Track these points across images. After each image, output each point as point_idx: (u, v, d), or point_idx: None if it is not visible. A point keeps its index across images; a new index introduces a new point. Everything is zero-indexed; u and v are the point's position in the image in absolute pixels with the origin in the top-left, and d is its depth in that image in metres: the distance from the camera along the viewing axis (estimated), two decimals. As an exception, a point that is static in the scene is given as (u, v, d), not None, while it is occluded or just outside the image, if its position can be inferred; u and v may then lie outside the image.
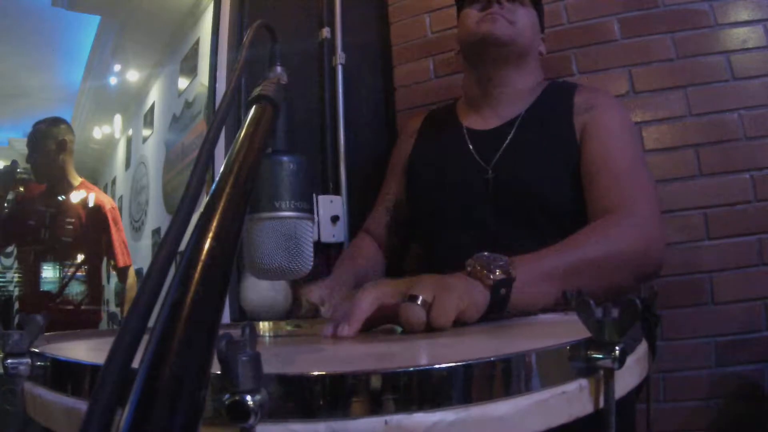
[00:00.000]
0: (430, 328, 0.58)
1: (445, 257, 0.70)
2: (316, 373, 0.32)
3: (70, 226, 2.21)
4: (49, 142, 2.20)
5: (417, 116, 1.28)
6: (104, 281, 2.71)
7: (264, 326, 0.82)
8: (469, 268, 0.67)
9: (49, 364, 0.44)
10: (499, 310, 0.67)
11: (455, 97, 1.26)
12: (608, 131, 0.98)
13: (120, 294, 2.72)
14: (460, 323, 0.61)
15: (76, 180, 2.28)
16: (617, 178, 0.92)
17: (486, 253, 0.69)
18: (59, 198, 2.22)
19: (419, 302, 0.58)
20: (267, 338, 0.68)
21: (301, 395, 0.31)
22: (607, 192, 0.92)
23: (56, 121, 2.29)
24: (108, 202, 2.35)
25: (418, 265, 1.24)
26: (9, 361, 0.45)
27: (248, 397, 0.28)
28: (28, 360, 0.45)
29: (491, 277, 0.65)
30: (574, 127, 1.00)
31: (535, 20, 1.10)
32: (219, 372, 0.27)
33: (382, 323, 0.63)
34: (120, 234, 2.36)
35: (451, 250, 1.02)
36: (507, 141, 1.04)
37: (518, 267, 0.68)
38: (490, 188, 1.02)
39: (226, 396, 0.27)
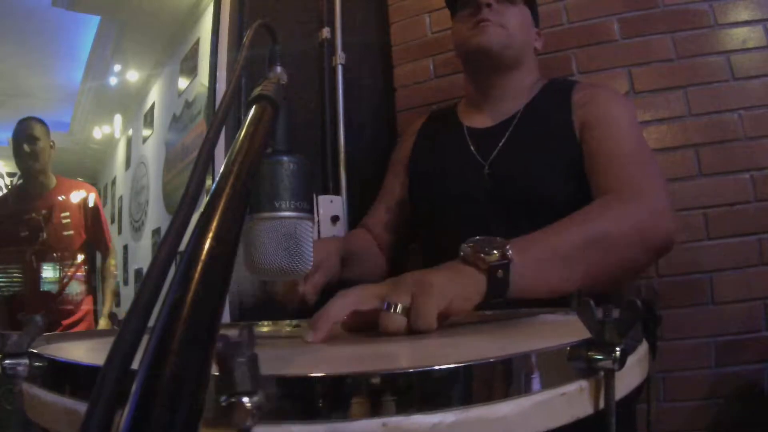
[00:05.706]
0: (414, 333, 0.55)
1: (444, 255, 0.68)
2: (315, 374, 0.32)
3: (68, 220, 2.28)
4: (36, 142, 2.25)
5: (420, 117, 1.28)
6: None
7: (263, 327, 0.82)
8: (462, 253, 0.65)
9: (47, 364, 0.44)
10: (499, 294, 0.64)
11: (457, 98, 1.26)
12: (608, 121, 0.98)
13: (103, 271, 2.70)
14: (450, 318, 0.59)
15: (53, 179, 2.35)
16: (621, 163, 0.91)
17: (479, 237, 0.66)
18: (48, 200, 2.28)
19: (398, 309, 0.56)
20: (266, 339, 0.68)
21: (300, 396, 0.31)
22: (612, 176, 0.91)
23: (36, 122, 2.33)
24: (89, 188, 2.45)
25: (418, 262, 1.24)
26: (7, 361, 0.45)
27: (245, 399, 0.27)
28: (26, 361, 0.45)
29: (486, 260, 0.63)
30: (573, 123, 1.00)
31: (528, 17, 1.10)
32: (217, 373, 0.27)
33: (364, 329, 0.60)
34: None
35: (450, 248, 1.01)
36: (504, 138, 1.04)
37: (516, 247, 0.66)
38: (487, 185, 1.02)
39: (224, 398, 0.27)
